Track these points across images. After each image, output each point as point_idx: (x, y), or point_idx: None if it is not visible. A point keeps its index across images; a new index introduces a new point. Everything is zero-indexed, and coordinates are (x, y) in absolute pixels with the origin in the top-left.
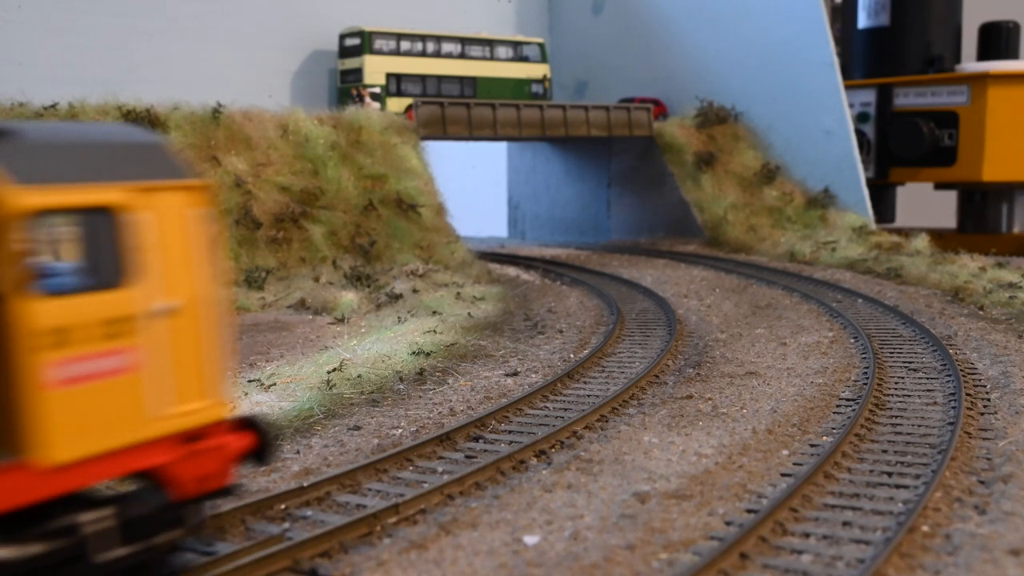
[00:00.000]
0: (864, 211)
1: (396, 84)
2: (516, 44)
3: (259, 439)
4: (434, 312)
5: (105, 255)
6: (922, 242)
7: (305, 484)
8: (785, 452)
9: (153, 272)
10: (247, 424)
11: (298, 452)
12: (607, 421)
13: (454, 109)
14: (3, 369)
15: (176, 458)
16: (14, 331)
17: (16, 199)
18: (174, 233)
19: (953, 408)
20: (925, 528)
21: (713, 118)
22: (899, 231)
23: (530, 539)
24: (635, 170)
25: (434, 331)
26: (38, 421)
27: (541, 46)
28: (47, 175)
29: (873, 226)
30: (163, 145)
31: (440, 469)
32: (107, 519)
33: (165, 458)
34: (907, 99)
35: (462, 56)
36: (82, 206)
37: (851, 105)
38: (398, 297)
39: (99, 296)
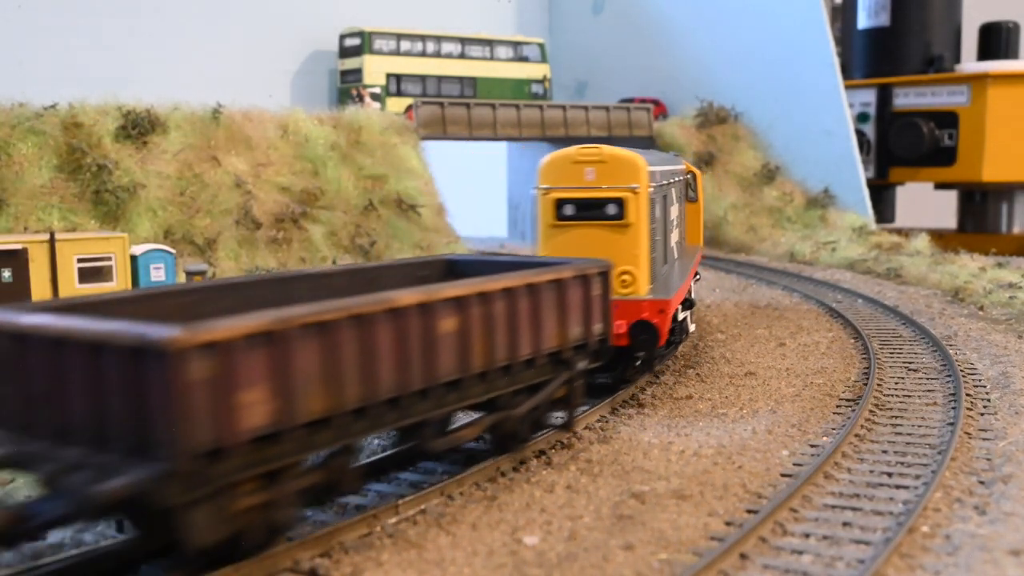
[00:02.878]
0: (864, 211)
1: (396, 84)
2: (516, 44)
3: None
4: None
5: (692, 189)
6: (922, 242)
7: None
8: (785, 452)
9: (700, 194)
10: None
11: None
12: (607, 421)
13: (454, 109)
14: (697, 222)
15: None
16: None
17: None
18: (697, 182)
19: (953, 408)
20: (925, 528)
21: (713, 118)
22: (899, 231)
23: (529, 539)
24: None
25: None
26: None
27: (541, 46)
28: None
29: (873, 226)
30: (683, 158)
31: None
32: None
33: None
34: (907, 99)
35: (462, 56)
36: (692, 172)
37: (851, 105)
38: None
39: (691, 205)
